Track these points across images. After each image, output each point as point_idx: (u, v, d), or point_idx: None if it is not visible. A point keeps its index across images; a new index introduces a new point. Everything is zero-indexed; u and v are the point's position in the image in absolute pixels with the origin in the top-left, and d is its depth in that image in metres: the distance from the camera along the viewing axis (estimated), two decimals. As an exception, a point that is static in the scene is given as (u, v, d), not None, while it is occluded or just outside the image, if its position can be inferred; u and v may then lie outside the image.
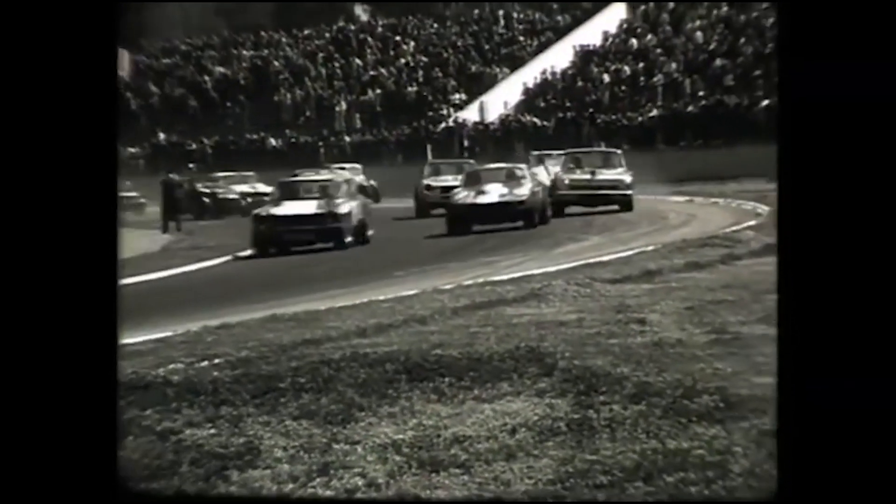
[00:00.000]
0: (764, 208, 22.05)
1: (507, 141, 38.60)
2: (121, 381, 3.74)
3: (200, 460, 4.42)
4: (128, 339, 7.03)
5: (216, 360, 6.48)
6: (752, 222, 18.36)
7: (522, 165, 24.07)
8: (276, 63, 46.80)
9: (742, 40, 37.84)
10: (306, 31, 48.27)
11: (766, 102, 34.39)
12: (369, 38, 46.89)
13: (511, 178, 21.94)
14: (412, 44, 46.15)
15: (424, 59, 44.88)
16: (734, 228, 16.31)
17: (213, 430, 4.83)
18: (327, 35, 47.82)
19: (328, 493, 4.02)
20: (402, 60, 45.21)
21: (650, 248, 13.90)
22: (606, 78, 39.89)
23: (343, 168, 30.71)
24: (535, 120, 39.30)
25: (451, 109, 42.08)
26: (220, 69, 47.44)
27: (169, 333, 7.91)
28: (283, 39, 48.38)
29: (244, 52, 48.19)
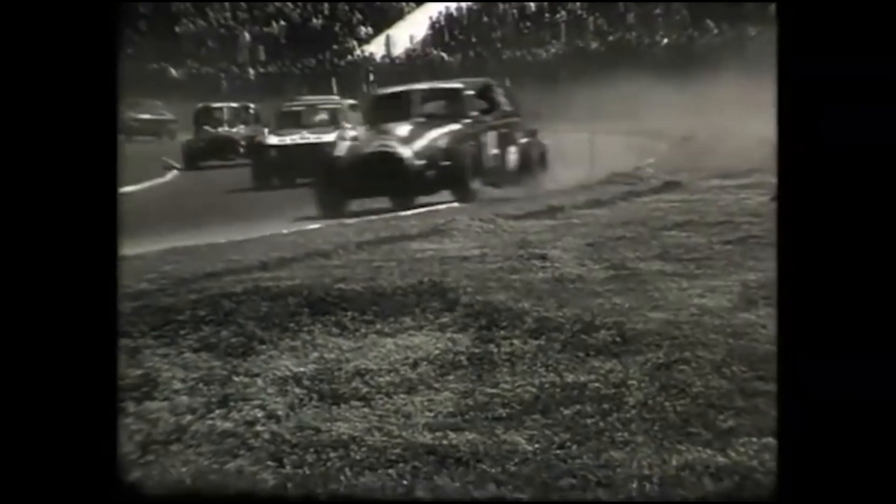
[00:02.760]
0: (662, 146, 22.31)
1: (412, 75, 38.39)
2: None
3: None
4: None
5: (115, 293, 6.39)
6: (652, 160, 18.59)
7: None
8: (177, -9, 45.80)
9: (645, -22, 38.06)
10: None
11: (665, 41, 34.73)
12: (273, -32, 46.14)
13: None
14: (317, -25, 45.51)
15: (330, -10, 44.31)
16: (636, 166, 16.49)
17: (110, 363, 4.77)
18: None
19: (227, 424, 4.02)
20: (307, -8, 44.58)
21: (553, 185, 14.01)
22: (513, 13, 39.84)
23: None
24: (442, 55, 39.15)
25: (357, 43, 41.68)
26: (120, -4, 46.33)
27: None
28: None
29: (144, -21, 47.08)
